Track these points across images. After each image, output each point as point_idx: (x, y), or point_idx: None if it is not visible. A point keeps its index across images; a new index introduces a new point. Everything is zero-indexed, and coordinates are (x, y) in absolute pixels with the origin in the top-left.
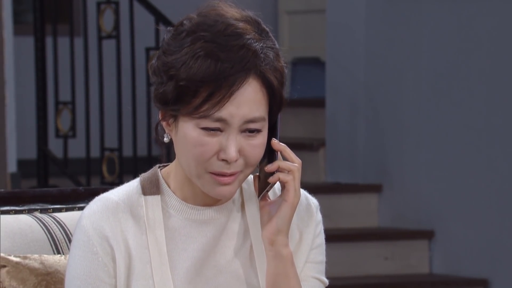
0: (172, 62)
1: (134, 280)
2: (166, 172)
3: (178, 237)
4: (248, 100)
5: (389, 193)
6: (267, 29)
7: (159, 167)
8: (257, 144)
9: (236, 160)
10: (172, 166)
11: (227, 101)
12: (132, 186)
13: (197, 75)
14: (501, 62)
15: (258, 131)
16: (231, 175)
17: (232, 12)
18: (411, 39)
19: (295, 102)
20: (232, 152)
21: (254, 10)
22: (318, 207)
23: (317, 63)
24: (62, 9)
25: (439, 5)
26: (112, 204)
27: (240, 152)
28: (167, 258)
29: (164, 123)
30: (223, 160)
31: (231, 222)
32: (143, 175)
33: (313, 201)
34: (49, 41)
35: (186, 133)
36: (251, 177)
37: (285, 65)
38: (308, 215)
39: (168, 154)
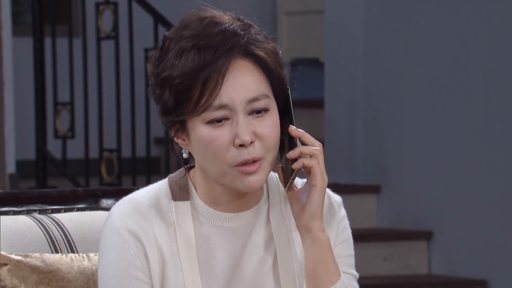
0: (162, 68)
1: (167, 287)
2: (193, 175)
3: (207, 245)
4: (244, 81)
5: (388, 193)
6: (251, 22)
7: (185, 168)
8: (269, 124)
9: (252, 143)
10: (197, 169)
11: (222, 85)
12: (161, 189)
13: (186, 68)
14: (501, 62)
15: (265, 110)
16: (253, 161)
17: (212, 11)
18: (410, 39)
19: (294, 103)
20: (244, 133)
21: (253, 11)
22: (341, 203)
23: (316, 64)
24: (61, 10)
25: (437, 6)
26: (144, 209)
27: (254, 134)
28: (198, 267)
29: (179, 140)
30: (240, 146)
31: (257, 229)
32: (172, 177)
33: (335, 198)
34: (48, 42)
35: (198, 135)
36: (274, 181)
37: (278, 46)
38: (331, 214)
39: (167, 156)
